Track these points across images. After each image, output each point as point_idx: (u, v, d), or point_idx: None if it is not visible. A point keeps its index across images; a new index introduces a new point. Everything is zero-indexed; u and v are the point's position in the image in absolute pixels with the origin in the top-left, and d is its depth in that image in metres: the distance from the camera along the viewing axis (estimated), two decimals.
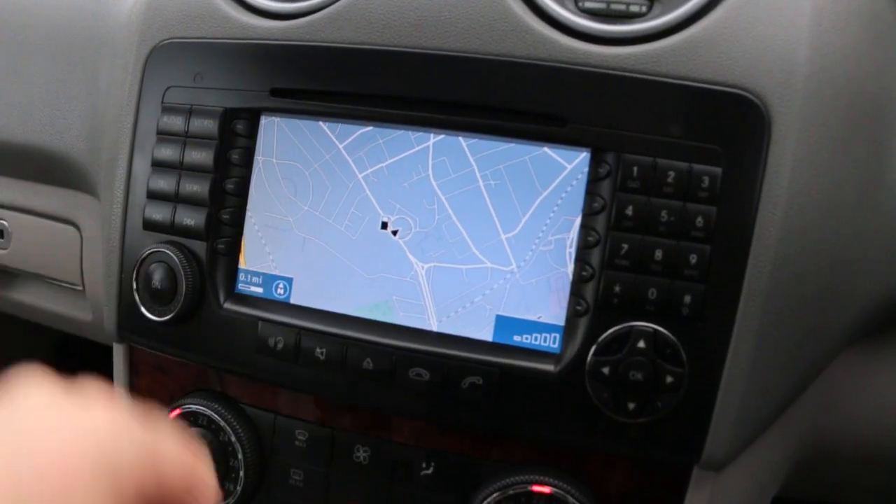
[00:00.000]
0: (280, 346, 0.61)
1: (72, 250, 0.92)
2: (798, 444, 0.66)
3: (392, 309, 0.60)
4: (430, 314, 0.60)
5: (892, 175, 0.59)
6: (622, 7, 0.57)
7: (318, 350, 0.61)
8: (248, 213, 0.65)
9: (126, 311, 0.68)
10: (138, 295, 0.66)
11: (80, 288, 0.94)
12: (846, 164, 0.57)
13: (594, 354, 0.55)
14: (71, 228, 0.92)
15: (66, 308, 0.99)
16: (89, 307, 0.95)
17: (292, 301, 0.63)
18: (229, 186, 0.64)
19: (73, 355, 1.82)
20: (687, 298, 0.54)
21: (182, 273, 0.63)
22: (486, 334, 0.59)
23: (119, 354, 0.71)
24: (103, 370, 1.75)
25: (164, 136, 0.66)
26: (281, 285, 0.64)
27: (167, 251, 0.64)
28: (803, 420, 0.65)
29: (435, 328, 0.60)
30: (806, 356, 0.59)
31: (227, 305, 0.64)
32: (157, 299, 0.65)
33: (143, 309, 0.65)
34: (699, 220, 0.54)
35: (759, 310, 0.54)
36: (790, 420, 0.63)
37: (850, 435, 0.68)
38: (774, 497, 0.78)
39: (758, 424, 0.58)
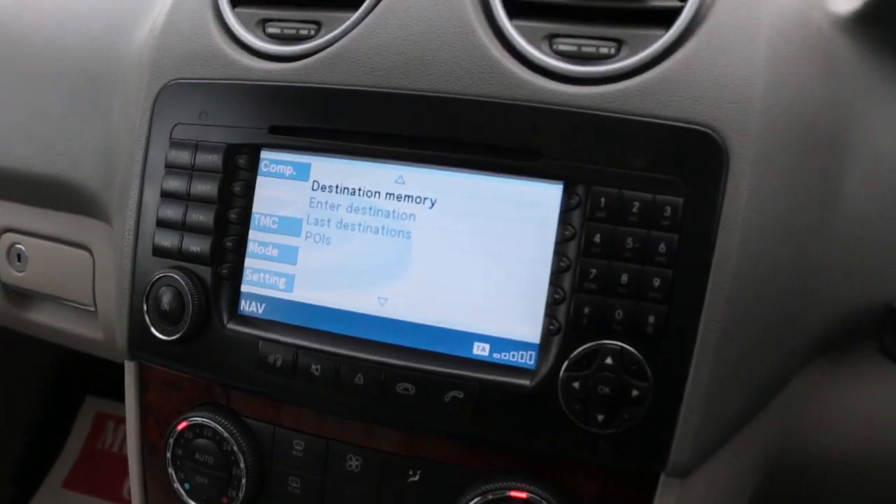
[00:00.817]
0: (279, 363, 0.67)
1: (85, 273, 0.98)
2: (765, 454, 0.71)
3: (388, 304, 0.66)
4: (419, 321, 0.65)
5: (845, 201, 0.64)
6: (592, 49, 0.63)
7: (313, 367, 0.66)
8: (250, 239, 0.70)
9: (137, 330, 0.73)
10: (148, 316, 0.71)
11: (92, 309, 0.99)
12: (800, 192, 0.62)
13: (566, 370, 0.60)
14: (84, 253, 0.97)
15: (79, 328, 1.04)
16: (101, 327, 1.01)
17: (294, 293, 0.68)
18: (232, 216, 0.70)
19: (82, 372, 1.87)
20: (651, 318, 0.59)
21: (189, 296, 0.69)
22: (466, 352, 0.64)
23: (130, 371, 0.76)
24: (113, 384, 1.80)
25: (172, 168, 0.72)
26: (283, 281, 0.69)
27: (175, 276, 0.69)
28: (768, 431, 0.69)
29: (420, 346, 0.65)
30: (766, 372, 0.64)
31: (231, 326, 0.69)
32: (166, 320, 0.70)
33: (153, 329, 0.71)
34: (662, 247, 0.59)
35: (718, 329, 0.58)
36: (755, 431, 0.67)
37: (817, 446, 0.72)
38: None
39: (720, 434, 0.62)
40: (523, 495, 0.62)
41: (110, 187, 0.85)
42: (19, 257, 1.03)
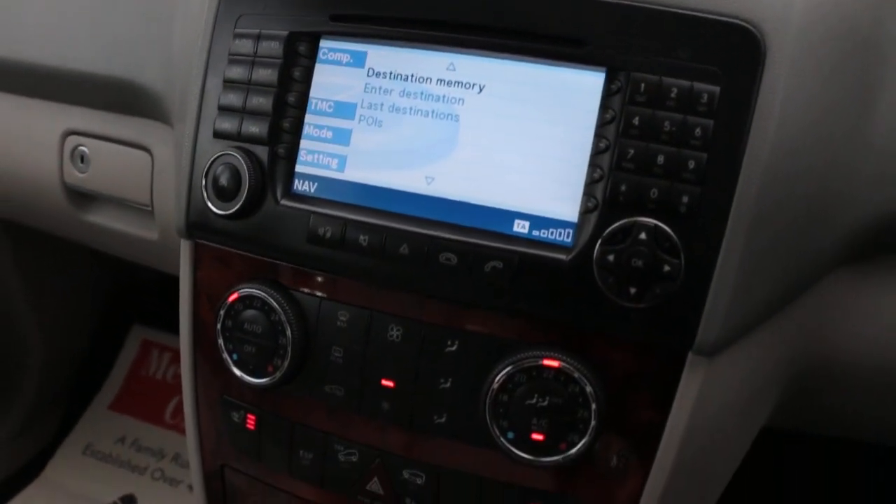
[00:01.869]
0: (328, 234, 0.70)
1: (144, 174, 1.03)
2: (791, 354, 0.73)
3: (434, 183, 0.69)
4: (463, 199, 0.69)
5: (882, 107, 0.65)
6: None
7: (361, 238, 0.69)
8: (306, 122, 0.74)
9: (194, 209, 0.77)
10: (206, 192, 0.75)
11: (149, 208, 1.04)
12: (837, 95, 0.63)
13: (601, 244, 0.63)
14: (144, 154, 1.02)
15: (136, 228, 1.09)
16: (157, 227, 1.06)
17: (346, 173, 0.72)
18: (290, 99, 0.73)
19: (130, 301, 1.94)
20: (685, 198, 0.61)
21: (246, 173, 0.73)
22: (507, 228, 0.67)
23: (185, 250, 0.80)
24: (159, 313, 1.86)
25: (234, 57, 0.76)
26: (335, 161, 0.72)
27: (234, 154, 0.73)
28: (795, 329, 0.71)
29: (463, 222, 0.68)
30: (794, 265, 0.66)
31: (284, 202, 0.73)
32: (223, 196, 0.74)
33: (209, 204, 0.75)
34: (697, 131, 0.61)
35: (749, 214, 0.61)
36: (782, 326, 0.70)
37: (841, 352, 0.74)
38: (766, 428, 0.84)
39: (748, 319, 0.64)
40: (555, 363, 0.65)
41: (172, 87, 0.89)
42: (82, 159, 1.08)
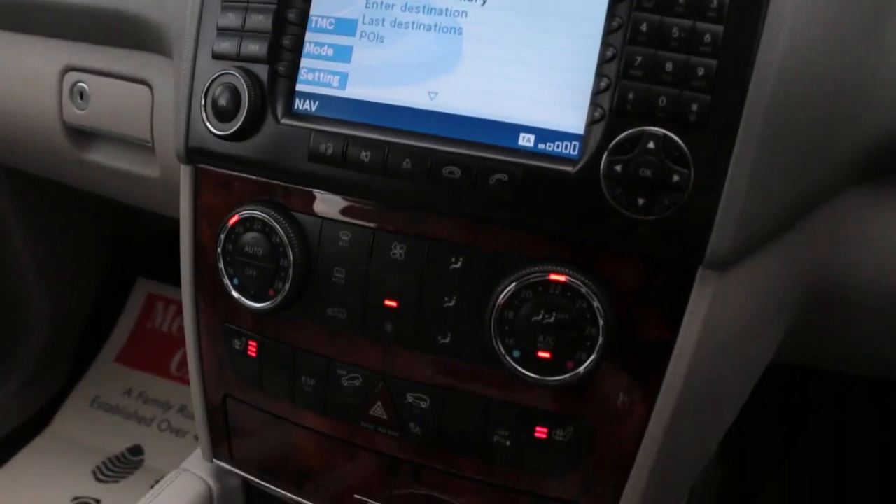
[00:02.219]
0: (329, 151, 0.69)
1: (144, 108, 1.01)
2: (802, 272, 0.71)
3: (437, 98, 0.67)
4: (467, 113, 0.67)
5: (893, 36, 0.63)
6: None
7: (363, 154, 0.68)
8: (306, 41, 0.72)
9: (194, 132, 0.76)
10: (205, 113, 0.73)
11: (149, 144, 1.03)
12: (848, 15, 0.61)
13: (609, 154, 0.61)
14: (144, 88, 1.01)
15: (136, 166, 1.08)
16: (157, 163, 1.04)
17: (347, 90, 0.70)
18: (290, 16, 0.71)
19: (134, 254, 1.94)
20: (694, 107, 0.59)
21: (246, 92, 0.71)
22: (512, 142, 0.66)
23: (185, 175, 0.79)
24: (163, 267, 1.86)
25: None
26: (336, 79, 0.71)
27: (233, 72, 0.72)
28: (806, 248, 0.70)
29: (467, 137, 0.66)
30: (806, 179, 0.64)
31: (285, 121, 0.71)
32: (222, 117, 0.72)
33: (209, 126, 0.73)
34: (707, 37, 0.59)
35: (760, 124, 0.59)
36: (793, 244, 0.68)
37: (854, 273, 0.73)
38: (773, 365, 0.83)
39: (759, 233, 0.63)
40: (562, 278, 0.63)
41: (171, 19, 0.87)
42: (81, 95, 1.07)
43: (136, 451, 1.73)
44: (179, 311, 1.90)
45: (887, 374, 0.97)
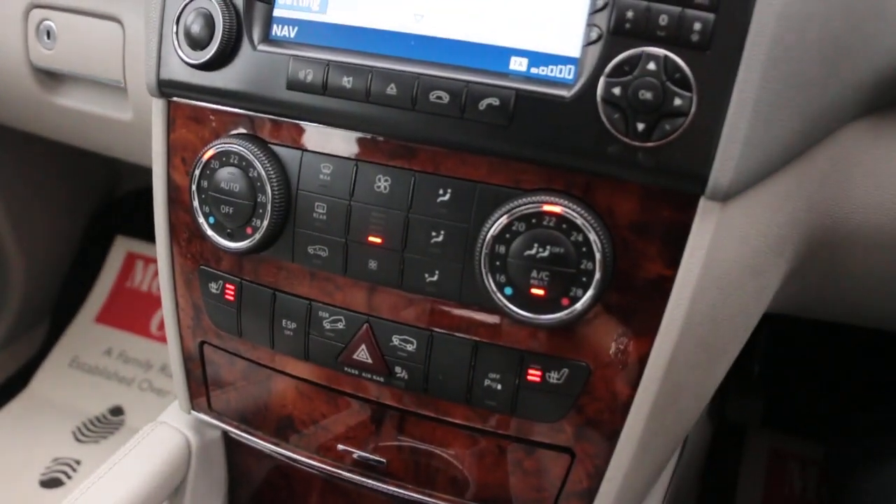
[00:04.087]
0: (309, 78, 0.64)
1: (115, 47, 0.96)
2: (805, 206, 0.68)
3: (423, 21, 0.63)
4: (455, 37, 0.63)
5: None
6: None
7: (345, 80, 0.63)
8: None
9: (166, 63, 0.71)
10: (177, 41, 0.69)
11: (122, 85, 0.98)
12: None
13: (606, 76, 0.57)
14: (114, 25, 0.95)
15: (108, 109, 1.03)
16: (130, 105, 0.99)
17: (328, 14, 0.66)
18: None
19: (113, 213, 1.89)
20: (697, 26, 0.55)
21: (220, 17, 0.66)
22: (503, 66, 0.62)
23: (158, 110, 0.74)
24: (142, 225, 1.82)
25: None
26: (316, 2, 0.66)
27: None
28: (810, 181, 0.66)
29: (456, 61, 0.62)
30: (814, 105, 0.60)
31: (262, 48, 0.67)
32: (195, 45, 0.68)
33: (181, 54, 0.69)
34: None
35: (767, 43, 0.55)
36: (797, 176, 0.65)
37: (857, 207, 0.70)
38: (771, 314, 0.80)
39: (763, 161, 0.59)
40: (557, 210, 0.60)
41: None
42: (48, 34, 1.01)
43: (117, 411, 1.70)
44: None
45: (883, 322, 0.94)
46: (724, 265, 0.63)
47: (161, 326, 1.80)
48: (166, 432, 0.86)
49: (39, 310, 1.85)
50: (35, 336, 1.85)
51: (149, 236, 1.88)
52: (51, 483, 1.52)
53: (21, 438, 1.62)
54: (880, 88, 0.64)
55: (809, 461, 1.53)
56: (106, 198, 1.96)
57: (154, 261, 1.86)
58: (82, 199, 1.90)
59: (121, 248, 1.91)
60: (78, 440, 1.62)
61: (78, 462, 1.56)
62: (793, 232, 0.69)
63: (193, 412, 0.87)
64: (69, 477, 1.54)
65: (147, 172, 1.15)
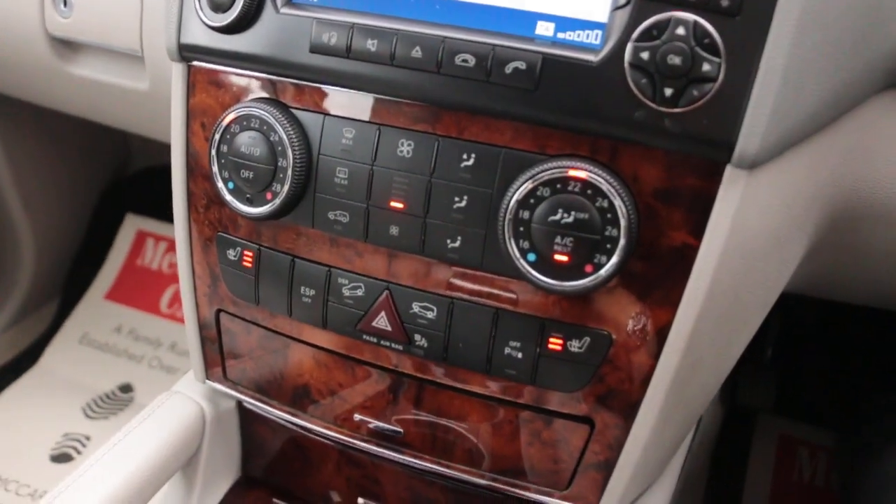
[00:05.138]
0: (333, 41, 0.64)
1: (132, 15, 0.95)
2: (828, 183, 0.67)
3: None
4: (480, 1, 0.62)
5: None
6: None
7: (369, 43, 0.63)
8: None
9: (186, 26, 0.70)
10: (198, 3, 0.68)
11: (139, 54, 0.97)
12: None
13: (635, 41, 0.56)
14: None
15: (125, 79, 1.03)
16: (147, 75, 0.99)
17: None
18: None
19: (123, 191, 1.89)
20: None
21: None
22: (529, 31, 0.61)
23: (178, 75, 0.74)
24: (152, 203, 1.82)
25: None
26: None
27: None
28: (837, 152, 0.66)
29: (481, 26, 0.62)
30: (843, 74, 0.60)
31: (284, 10, 0.66)
32: (217, 7, 0.67)
33: (203, 17, 0.68)
34: None
35: (797, 10, 0.54)
36: (824, 147, 0.64)
37: (883, 181, 0.69)
38: (785, 297, 0.79)
39: (791, 129, 0.58)
40: (582, 175, 0.59)
41: None
42: (65, 2, 1.01)
43: (126, 388, 1.70)
44: (170, 248, 1.86)
45: None
46: (749, 235, 0.62)
47: (171, 304, 1.81)
48: (181, 402, 0.86)
49: (50, 287, 1.85)
50: (45, 313, 1.85)
51: (159, 214, 1.90)
52: (61, 458, 1.53)
53: (32, 413, 1.63)
54: None
55: (819, 447, 1.53)
56: (117, 176, 1.96)
57: (164, 238, 1.86)
58: (93, 176, 1.90)
59: (131, 225, 1.91)
60: (88, 416, 1.62)
61: (88, 438, 1.57)
62: (816, 204, 0.69)
63: (208, 381, 0.87)
64: (79, 452, 1.54)
65: (158, 150, 1.15)
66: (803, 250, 0.73)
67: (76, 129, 1.39)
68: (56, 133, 1.69)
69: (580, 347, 0.66)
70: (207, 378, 0.87)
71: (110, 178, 1.94)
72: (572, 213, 0.60)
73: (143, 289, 1.84)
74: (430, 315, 0.69)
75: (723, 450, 1.49)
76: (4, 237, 1.74)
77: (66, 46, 1.06)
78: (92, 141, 1.80)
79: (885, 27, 0.60)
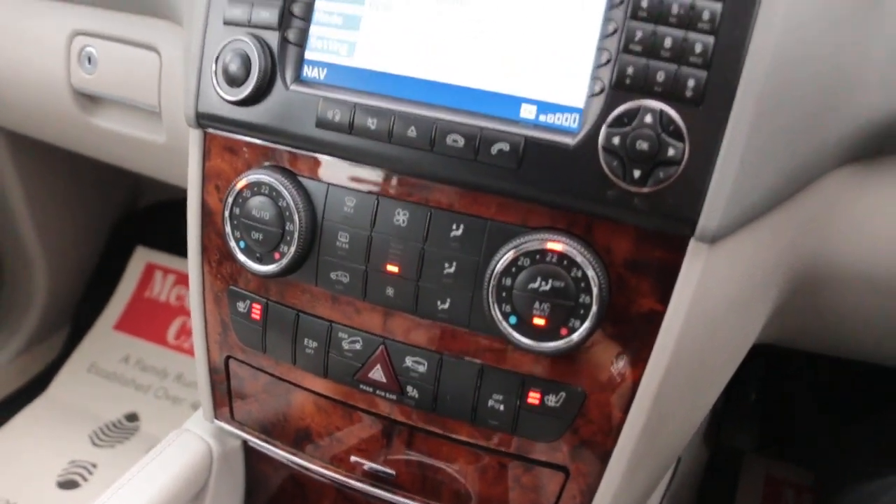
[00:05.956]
0: (337, 118, 0.71)
1: (152, 74, 1.03)
2: (792, 248, 0.73)
3: (443, 69, 0.69)
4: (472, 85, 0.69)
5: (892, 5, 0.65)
6: None
7: (369, 121, 0.69)
8: (316, 8, 0.73)
9: (204, 97, 0.77)
10: (216, 79, 0.75)
11: (157, 110, 1.04)
12: None
13: (607, 126, 0.63)
14: (152, 54, 1.02)
15: (143, 131, 1.10)
16: (164, 129, 1.06)
17: (355, 59, 0.72)
18: None
19: (134, 224, 1.96)
20: (691, 82, 0.61)
21: (256, 58, 0.72)
22: (514, 114, 0.68)
23: (195, 140, 0.81)
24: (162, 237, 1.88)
25: None
26: (345, 47, 0.72)
27: (244, 39, 0.73)
28: (797, 224, 0.71)
29: (471, 108, 0.68)
30: (798, 157, 0.65)
31: (294, 87, 0.73)
32: (233, 83, 0.74)
33: (219, 91, 0.75)
34: (706, 14, 0.60)
35: (754, 99, 0.60)
36: (784, 220, 0.70)
37: (843, 251, 0.74)
38: (761, 345, 0.84)
39: (750, 206, 0.64)
40: (559, 247, 0.65)
41: None
42: (90, 60, 1.08)
43: (132, 417, 1.75)
44: (178, 281, 1.92)
45: (873, 357, 0.99)
46: (712, 302, 0.68)
47: (178, 335, 1.86)
48: (190, 439, 0.92)
49: (61, 315, 1.91)
50: (55, 341, 1.91)
51: (168, 248, 1.96)
52: (68, 484, 1.58)
53: (40, 440, 1.68)
54: (863, 140, 0.68)
55: (805, 488, 1.56)
56: (128, 209, 2.02)
57: (172, 272, 1.92)
58: (105, 209, 1.96)
59: (141, 258, 1.97)
60: (94, 444, 1.67)
61: (94, 465, 1.62)
62: (778, 271, 0.74)
63: (216, 421, 0.93)
64: (85, 479, 1.59)
65: (168, 186, 1.22)
66: (768, 311, 0.78)
67: (91, 165, 1.45)
68: (72, 167, 1.75)
69: (556, 402, 0.72)
70: (216, 418, 0.93)
71: (122, 211, 2.00)
72: (550, 281, 0.66)
73: (150, 320, 1.90)
74: (420, 369, 0.75)
75: (709, 489, 1.53)
76: (18, 266, 1.80)
77: (89, 100, 1.13)
78: (105, 175, 1.87)
79: (838, 114, 0.66)
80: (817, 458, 1.52)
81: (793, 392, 1.66)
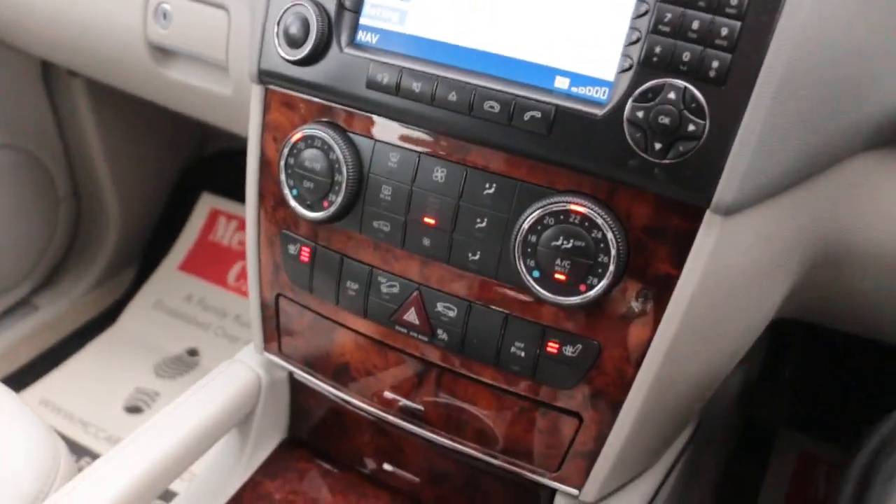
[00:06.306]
0: (385, 80, 0.77)
1: (221, 31, 1.10)
2: (808, 229, 0.76)
3: (486, 39, 0.75)
4: (510, 55, 0.74)
5: None
6: None
7: (414, 84, 0.75)
8: None
9: (266, 56, 0.84)
10: (277, 39, 0.81)
11: (224, 65, 1.12)
12: None
13: (633, 101, 0.67)
14: (221, 12, 1.09)
15: (212, 84, 1.18)
16: (230, 83, 1.13)
17: (406, 26, 0.77)
18: None
19: (200, 171, 2.05)
20: (715, 63, 0.65)
21: (314, 22, 0.79)
22: (549, 84, 0.73)
23: (256, 94, 0.88)
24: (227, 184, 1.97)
25: None
26: (397, 15, 0.78)
27: (304, 4, 0.79)
28: (816, 203, 0.74)
29: (509, 76, 0.74)
30: (819, 138, 0.68)
31: (348, 50, 0.79)
32: (293, 44, 0.80)
33: (280, 51, 0.81)
34: (734, 0, 0.64)
35: (776, 83, 0.63)
36: (803, 198, 0.73)
37: (861, 238, 0.77)
38: (797, 324, 0.86)
39: (766, 183, 0.68)
40: (581, 209, 0.71)
41: None
42: (165, 15, 1.16)
43: (193, 352, 1.87)
44: (240, 227, 2.02)
45: (893, 337, 1.01)
46: (726, 270, 0.72)
47: (237, 278, 1.97)
48: (241, 369, 1.01)
49: (131, 254, 2.03)
50: (125, 278, 2.03)
51: (232, 195, 2.06)
52: (133, 409, 1.71)
53: (110, 367, 1.81)
54: (890, 127, 0.71)
55: (836, 467, 1.58)
56: (195, 157, 2.13)
57: (235, 217, 2.02)
58: (174, 156, 2.07)
59: (206, 203, 2.08)
60: (158, 375, 1.80)
61: (157, 393, 1.74)
62: (798, 247, 0.78)
63: (265, 353, 1.01)
64: (148, 406, 1.72)
65: (233, 136, 1.29)
66: (788, 285, 0.82)
67: (162, 114, 1.54)
68: (144, 116, 1.85)
69: (573, 352, 0.77)
70: (265, 350, 1.01)
71: (190, 158, 2.10)
72: (571, 240, 0.71)
73: (213, 263, 2.01)
74: (451, 314, 0.82)
75: (740, 459, 1.56)
76: (94, 207, 1.92)
77: (162, 53, 1.21)
78: (175, 124, 1.97)
79: (858, 101, 0.69)
80: (852, 438, 1.53)
81: (830, 371, 1.67)
